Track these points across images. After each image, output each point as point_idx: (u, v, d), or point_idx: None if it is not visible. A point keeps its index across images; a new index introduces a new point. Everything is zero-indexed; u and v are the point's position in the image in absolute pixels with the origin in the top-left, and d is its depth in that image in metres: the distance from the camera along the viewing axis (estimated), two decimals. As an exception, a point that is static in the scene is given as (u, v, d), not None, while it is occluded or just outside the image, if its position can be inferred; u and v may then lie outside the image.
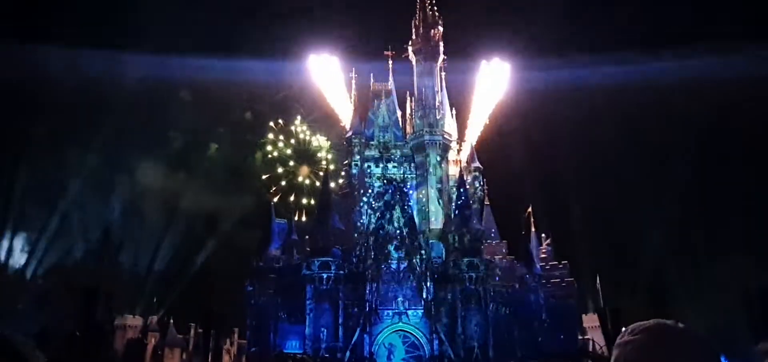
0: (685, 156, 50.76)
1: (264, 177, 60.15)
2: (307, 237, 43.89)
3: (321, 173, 55.50)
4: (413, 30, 51.90)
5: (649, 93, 53.92)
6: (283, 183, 60.16)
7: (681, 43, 49.78)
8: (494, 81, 53.97)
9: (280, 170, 60.06)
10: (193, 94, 58.45)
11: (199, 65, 55.06)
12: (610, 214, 51.82)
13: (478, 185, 49.89)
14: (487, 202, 49.35)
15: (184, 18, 56.06)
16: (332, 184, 49.57)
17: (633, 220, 51.59)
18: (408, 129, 50.73)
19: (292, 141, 61.81)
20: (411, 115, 50.85)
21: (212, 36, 59.24)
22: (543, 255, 47.88)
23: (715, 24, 52.00)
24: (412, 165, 48.96)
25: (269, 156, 60.30)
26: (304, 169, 59.20)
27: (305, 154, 60.59)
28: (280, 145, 61.38)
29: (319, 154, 61.17)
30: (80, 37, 50.42)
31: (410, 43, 51.92)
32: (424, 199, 47.49)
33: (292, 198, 59.26)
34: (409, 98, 51.87)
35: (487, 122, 53.02)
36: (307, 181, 59.23)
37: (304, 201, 58.65)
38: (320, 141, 60.97)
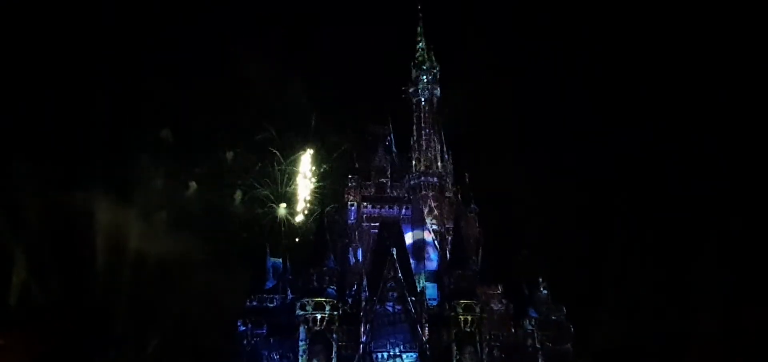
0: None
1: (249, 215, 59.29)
2: (301, 276, 43.30)
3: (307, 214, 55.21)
4: (412, 69, 52.40)
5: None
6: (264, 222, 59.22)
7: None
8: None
9: (260, 210, 59.27)
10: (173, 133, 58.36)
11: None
12: (611, 256, 51.53)
13: (474, 226, 49.77)
14: (483, 244, 49.07)
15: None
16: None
17: (636, 263, 51.26)
18: (405, 169, 50.68)
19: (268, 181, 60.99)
20: (408, 155, 50.89)
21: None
22: (539, 299, 47.39)
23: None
24: (409, 205, 48.85)
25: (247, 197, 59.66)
26: (282, 209, 58.55)
27: (284, 196, 59.93)
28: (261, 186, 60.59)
29: (299, 196, 60.24)
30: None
31: (408, 85, 52.39)
32: (419, 240, 47.22)
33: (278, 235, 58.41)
34: (408, 138, 51.85)
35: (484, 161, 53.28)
36: (286, 221, 58.32)
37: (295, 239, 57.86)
38: (300, 183, 60.06)
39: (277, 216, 56.93)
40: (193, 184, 57.89)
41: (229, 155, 60.70)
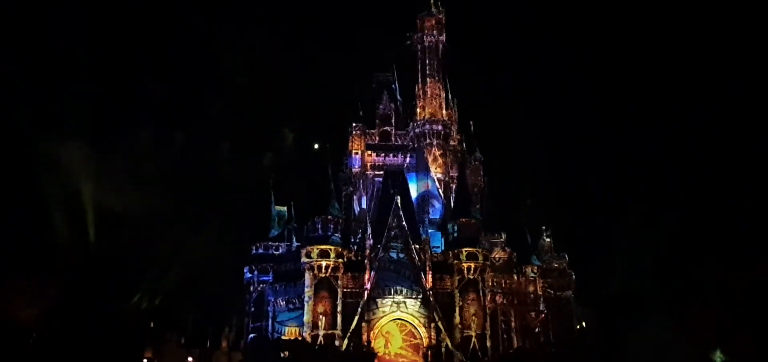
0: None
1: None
2: (306, 224, 43.66)
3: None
4: (417, 20, 51.59)
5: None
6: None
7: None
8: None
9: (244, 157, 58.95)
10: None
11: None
12: (614, 205, 51.66)
13: (478, 175, 49.84)
14: (487, 192, 49.23)
15: None
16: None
17: (636, 210, 51.39)
18: (409, 118, 50.44)
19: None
20: (413, 103, 50.57)
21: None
22: (542, 247, 47.82)
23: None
24: (413, 154, 48.85)
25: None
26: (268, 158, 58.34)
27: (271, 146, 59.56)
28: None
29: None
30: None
31: (414, 33, 51.66)
32: (424, 188, 47.37)
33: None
34: (413, 87, 51.40)
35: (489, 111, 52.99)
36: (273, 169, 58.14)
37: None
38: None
39: (265, 163, 56.80)
40: (180, 135, 57.46)
41: (217, 107, 60.28)
